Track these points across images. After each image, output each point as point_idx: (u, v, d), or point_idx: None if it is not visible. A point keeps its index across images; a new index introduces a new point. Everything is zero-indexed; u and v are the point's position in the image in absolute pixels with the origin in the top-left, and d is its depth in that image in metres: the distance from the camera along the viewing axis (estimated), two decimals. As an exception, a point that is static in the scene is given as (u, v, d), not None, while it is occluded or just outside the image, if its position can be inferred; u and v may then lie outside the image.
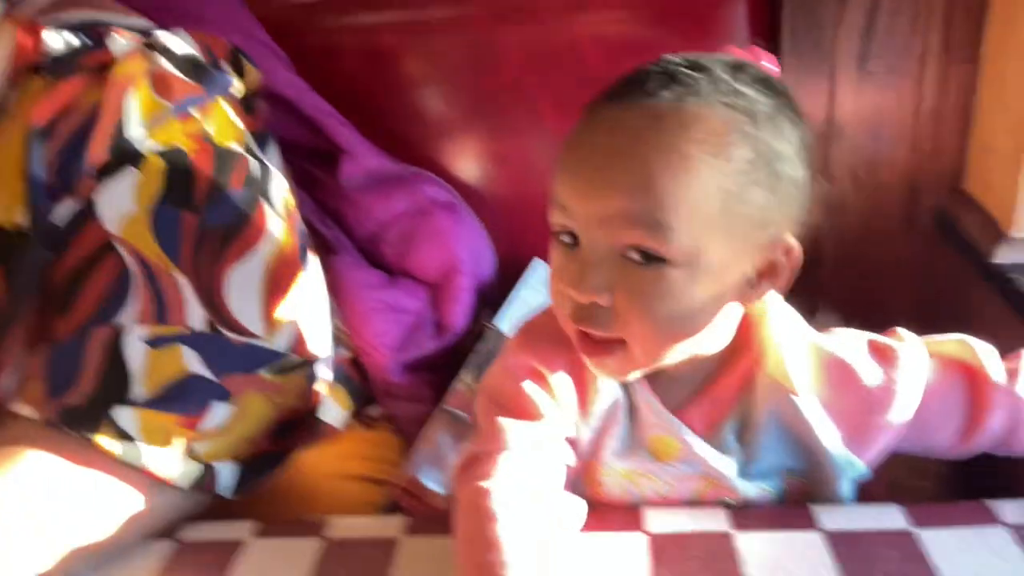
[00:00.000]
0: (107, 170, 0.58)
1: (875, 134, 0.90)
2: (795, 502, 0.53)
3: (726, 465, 0.51)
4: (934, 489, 0.87)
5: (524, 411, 0.50)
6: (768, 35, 0.92)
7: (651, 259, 0.44)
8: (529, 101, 0.96)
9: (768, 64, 0.50)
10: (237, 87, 0.70)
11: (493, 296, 0.99)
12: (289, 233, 0.66)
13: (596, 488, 0.54)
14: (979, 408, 0.50)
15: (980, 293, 0.81)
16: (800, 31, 0.87)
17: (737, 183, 0.44)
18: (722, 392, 0.51)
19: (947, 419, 0.51)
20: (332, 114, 0.92)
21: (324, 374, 0.72)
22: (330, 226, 0.94)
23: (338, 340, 0.86)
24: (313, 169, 0.94)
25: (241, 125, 0.71)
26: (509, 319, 0.91)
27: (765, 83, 0.46)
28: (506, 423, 0.49)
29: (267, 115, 0.80)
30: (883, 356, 0.51)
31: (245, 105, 0.74)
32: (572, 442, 0.52)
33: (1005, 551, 0.47)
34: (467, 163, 1.00)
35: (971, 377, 0.51)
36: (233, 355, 0.60)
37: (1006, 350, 0.66)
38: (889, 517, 0.51)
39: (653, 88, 0.44)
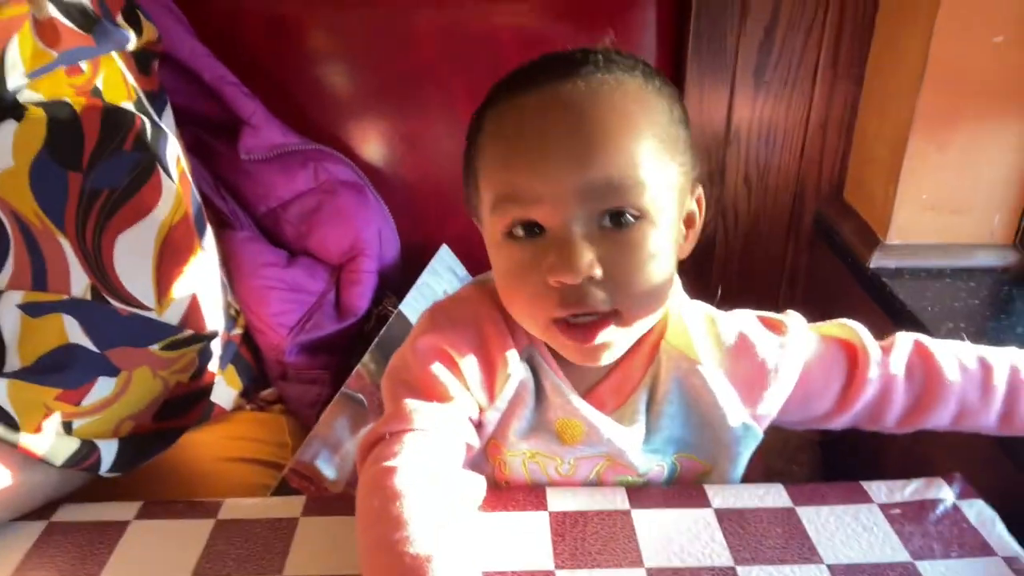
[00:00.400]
0: None
1: (767, 141, 0.96)
2: (686, 482, 0.56)
3: (629, 442, 0.52)
4: (804, 474, 0.93)
5: (432, 392, 0.50)
6: (673, 42, 0.96)
7: (623, 222, 0.45)
8: (442, 86, 0.95)
9: None
10: (132, 42, 0.65)
11: (395, 280, 0.98)
12: (183, 201, 0.63)
13: (499, 467, 0.55)
14: (856, 377, 0.54)
15: (856, 295, 0.88)
16: (704, 40, 0.91)
17: (667, 134, 0.46)
18: (631, 366, 0.53)
19: (827, 386, 0.54)
20: (234, 84, 0.88)
21: (215, 351, 0.69)
22: (227, 200, 0.90)
23: (231, 317, 0.82)
24: (211, 140, 0.90)
25: (134, 84, 0.66)
26: (414, 304, 0.90)
27: (642, 61, 0.49)
28: (413, 404, 0.49)
29: (163, 78, 0.76)
30: (772, 328, 0.54)
31: (140, 63, 0.70)
32: (477, 424, 0.52)
33: (875, 526, 0.51)
34: (375, 144, 0.98)
35: (850, 351, 0.55)
36: (120, 326, 0.56)
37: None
38: (772, 496, 0.54)
39: (570, 69, 0.45)
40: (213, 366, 0.68)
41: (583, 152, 0.44)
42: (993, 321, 0.76)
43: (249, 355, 0.86)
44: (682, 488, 0.55)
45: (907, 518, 0.52)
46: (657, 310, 0.50)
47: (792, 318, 0.56)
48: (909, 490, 0.54)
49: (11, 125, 0.54)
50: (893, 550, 0.49)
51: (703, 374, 0.52)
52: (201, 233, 0.66)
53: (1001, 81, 0.79)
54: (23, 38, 0.55)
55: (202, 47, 0.86)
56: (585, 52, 0.47)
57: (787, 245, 1.00)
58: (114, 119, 0.59)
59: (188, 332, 0.62)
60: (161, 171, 0.61)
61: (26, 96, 0.55)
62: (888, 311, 0.81)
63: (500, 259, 0.49)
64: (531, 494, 0.53)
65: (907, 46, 0.82)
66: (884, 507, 0.52)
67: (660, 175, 0.46)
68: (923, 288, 0.81)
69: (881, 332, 0.72)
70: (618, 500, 0.53)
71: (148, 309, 0.58)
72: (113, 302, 0.56)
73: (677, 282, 0.53)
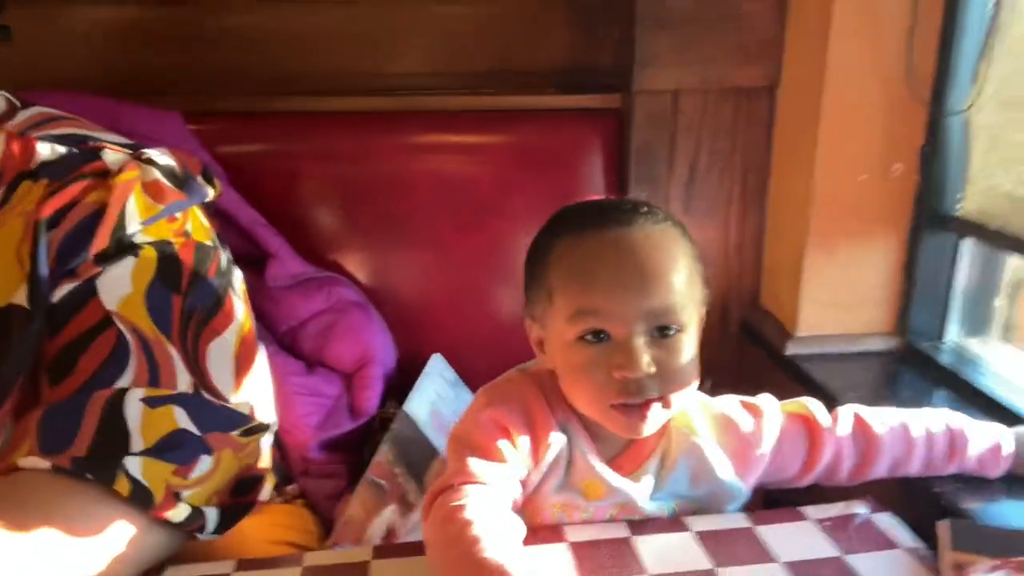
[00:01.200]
0: (107, 257, 0.67)
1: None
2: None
3: (640, 495, 0.68)
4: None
5: (491, 455, 0.63)
6: (617, 184, 1.19)
7: (668, 333, 0.61)
8: (431, 221, 1.15)
9: None
10: (210, 196, 0.82)
11: (394, 386, 1.13)
12: (248, 317, 0.78)
13: (534, 516, 0.69)
14: (815, 445, 0.71)
15: (778, 378, 1.08)
16: (642, 181, 1.15)
17: (693, 268, 0.64)
18: (646, 441, 0.68)
19: (794, 454, 0.71)
20: (264, 224, 1.05)
21: (267, 442, 0.81)
22: (255, 323, 1.05)
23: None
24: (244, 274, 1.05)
25: (208, 226, 0.83)
26: (416, 404, 1.05)
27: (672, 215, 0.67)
28: (476, 463, 0.62)
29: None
30: (751, 410, 0.71)
31: (207, 209, 0.87)
32: (522, 483, 0.66)
33: (813, 535, 0.68)
34: (375, 270, 1.15)
35: (808, 424, 0.72)
36: (214, 415, 0.69)
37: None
38: (736, 520, 0.70)
39: (628, 219, 0.62)
40: (266, 455, 0.80)
41: (646, 284, 0.60)
42: (884, 391, 0.97)
43: (277, 455, 0.98)
44: (669, 520, 0.70)
45: (835, 528, 0.69)
46: (690, 395, 0.66)
47: (766, 401, 0.72)
48: (834, 510, 0.71)
49: (131, 260, 0.68)
50: (827, 550, 0.66)
51: (701, 446, 0.68)
52: (258, 343, 0.80)
53: (867, 208, 1.04)
54: (137, 196, 0.71)
55: (237, 196, 1.03)
56: (635, 204, 0.64)
57: (720, 343, 1.21)
58: (202, 254, 0.74)
59: (256, 422, 0.75)
60: (232, 293, 0.76)
61: (140, 239, 0.71)
62: (804, 388, 1.01)
63: (571, 356, 0.63)
64: (552, 531, 0.68)
65: (797, 185, 1.08)
66: (818, 521, 0.69)
67: (691, 298, 0.63)
68: (829, 369, 1.02)
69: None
70: (622, 530, 0.68)
71: (229, 402, 0.71)
72: (206, 395, 0.69)
73: None
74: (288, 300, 1.06)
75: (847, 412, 0.73)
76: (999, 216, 0.91)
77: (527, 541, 0.65)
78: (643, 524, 0.69)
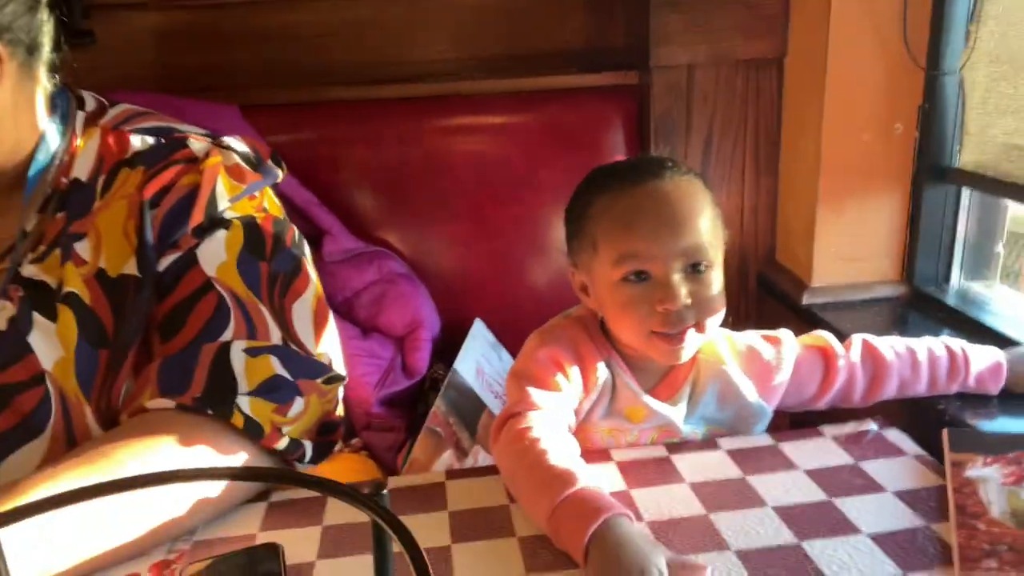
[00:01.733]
0: (203, 230, 0.78)
1: (716, 222, 1.27)
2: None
3: (676, 416, 0.77)
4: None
5: (547, 384, 0.73)
6: (639, 153, 1.28)
7: (700, 269, 0.71)
8: (470, 198, 1.25)
9: None
10: (280, 177, 0.92)
11: (441, 348, 1.23)
12: (319, 281, 0.88)
13: (586, 441, 0.78)
14: (830, 369, 0.80)
15: (795, 328, 1.16)
16: (662, 152, 1.24)
17: (715, 212, 0.74)
18: (679, 371, 0.78)
19: (811, 377, 0.80)
20: (317, 204, 1.15)
21: (341, 393, 0.92)
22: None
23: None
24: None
25: (279, 203, 0.93)
26: (463, 364, 1.15)
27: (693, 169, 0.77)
28: (535, 392, 0.72)
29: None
30: (771, 341, 0.81)
31: (276, 191, 0.97)
32: (575, 411, 0.76)
33: (830, 449, 0.77)
34: (420, 244, 1.25)
35: (824, 352, 0.81)
36: (302, 364, 0.79)
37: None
38: (763, 439, 0.79)
39: (657, 171, 0.72)
40: (340, 405, 0.91)
41: (681, 227, 0.70)
42: (894, 332, 1.05)
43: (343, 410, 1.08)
44: (703, 442, 0.80)
45: (849, 442, 0.78)
46: (719, 322, 0.75)
47: (784, 333, 0.82)
48: (848, 427, 0.80)
49: (223, 232, 0.78)
50: (843, 459, 0.75)
51: (728, 372, 0.78)
52: (329, 306, 0.90)
53: (872, 166, 1.12)
54: (223, 177, 0.81)
55: (293, 179, 1.13)
56: (661, 159, 0.74)
57: (740, 299, 1.30)
58: (279, 226, 0.84)
59: (334, 372, 0.85)
60: (306, 261, 0.86)
61: (229, 214, 0.81)
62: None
63: (618, 295, 0.72)
64: (601, 454, 0.78)
65: (805, 147, 1.16)
66: (834, 438, 0.79)
67: (717, 238, 0.73)
68: (842, 316, 1.11)
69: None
70: (661, 450, 0.78)
71: (312, 354, 0.81)
72: (292, 346, 0.80)
73: None
74: (343, 273, 1.16)
75: (857, 340, 0.82)
76: (994, 165, 1.00)
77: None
78: (680, 445, 0.79)
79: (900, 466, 0.74)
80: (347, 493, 0.40)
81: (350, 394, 1.07)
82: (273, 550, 0.60)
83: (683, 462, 0.76)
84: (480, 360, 1.19)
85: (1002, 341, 0.95)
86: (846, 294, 1.16)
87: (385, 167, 1.23)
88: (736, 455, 0.76)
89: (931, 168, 1.08)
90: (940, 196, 1.09)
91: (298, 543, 0.67)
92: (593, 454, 0.78)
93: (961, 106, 1.04)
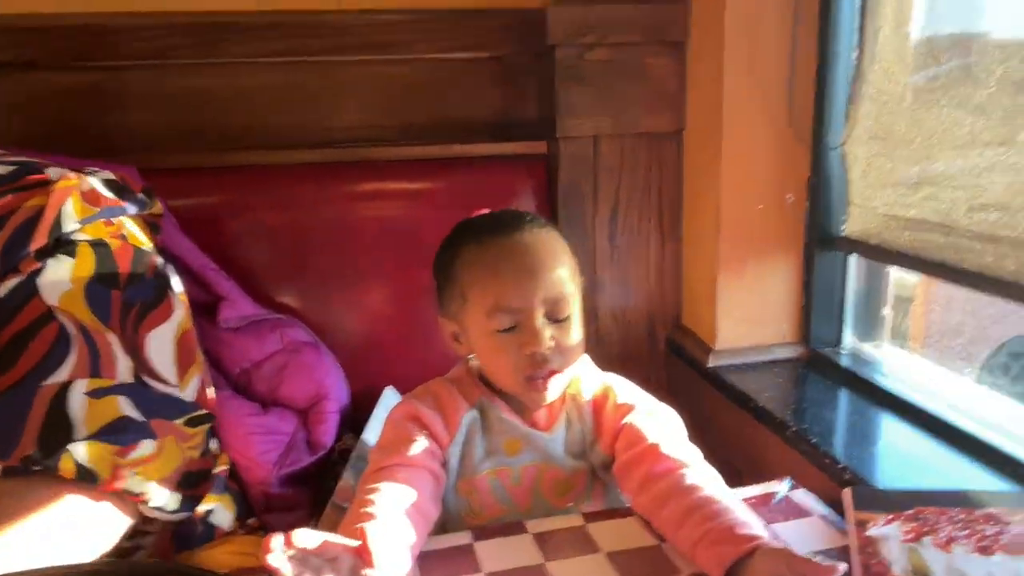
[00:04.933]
0: (46, 253, 0.73)
1: (624, 288, 1.30)
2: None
3: (556, 447, 0.78)
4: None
5: (403, 437, 0.75)
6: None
7: (561, 318, 0.74)
8: (376, 263, 1.22)
9: None
10: (147, 208, 0.89)
11: (350, 418, 1.18)
12: (188, 319, 0.84)
13: (471, 496, 0.78)
14: (642, 460, 0.74)
15: (703, 388, 1.19)
16: (571, 219, 1.26)
17: (573, 263, 0.77)
18: (553, 403, 0.79)
19: (625, 451, 0.76)
20: (214, 269, 1.10)
21: (212, 441, 0.87)
22: (208, 369, 1.09)
23: (214, 455, 0.99)
24: (195, 320, 1.10)
25: (148, 236, 0.89)
26: (374, 432, 1.10)
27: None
28: (388, 453, 0.74)
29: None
30: (630, 399, 0.80)
31: (151, 227, 0.94)
32: (443, 462, 0.76)
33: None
34: (326, 310, 1.21)
35: (650, 447, 0.75)
36: (157, 403, 0.75)
37: (723, 423, 1.02)
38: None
39: (522, 224, 0.76)
40: (210, 453, 0.85)
41: (543, 276, 0.73)
42: (793, 391, 1.09)
43: (237, 487, 1.01)
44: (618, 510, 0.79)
45: (758, 504, 0.79)
46: (576, 364, 0.78)
47: (645, 404, 0.80)
48: (757, 489, 0.81)
49: (68, 260, 0.75)
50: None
51: (586, 409, 0.80)
52: (198, 347, 0.86)
53: (767, 234, 1.18)
54: (75, 199, 0.78)
55: (189, 242, 1.09)
56: (520, 213, 0.79)
57: (649, 362, 1.32)
58: (138, 256, 0.81)
59: (201, 411, 0.80)
60: (172, 295, 0.82)
61: (78, 236, 0.76)
62: (726, 394, 1.12)
63: (491, 343, 0.75)
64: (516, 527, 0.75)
65: (706, 215, 1.21)
66: (743, 500, 0.79)
67: (575, 289, 0.76)
68: (745, 378, 1.14)
69: (723, 409, 1.02)
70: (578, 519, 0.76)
71: (173, 386, 0.77)
72: (148, 380, 0.75)
73: (585, 355, 0.81)
74: (240, 342, 1.10)
75: (667, 461, 0.73)
76: (876, 234, 1.06)
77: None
78: (595, 514, 0.77)
79: (808, 527, 0.75)
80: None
81: (247, 475, 1.00)
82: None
83: (597, 531, 0.74)
84: (390, 431, 1.15)
85: (891, 400, 1.00)
86: (748, 356, 1.19)
87: (292, 233, 1.20)
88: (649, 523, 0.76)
89: (821, 236, 1.15)
90: (830, 262, 1.16)
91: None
92: (510, 527, 0.75)
93: (845, 179, 1.11)
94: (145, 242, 0.83)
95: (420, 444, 0.75)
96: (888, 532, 0.70)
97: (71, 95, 1.20)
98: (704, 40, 1.18)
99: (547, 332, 0.73)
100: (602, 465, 0.80)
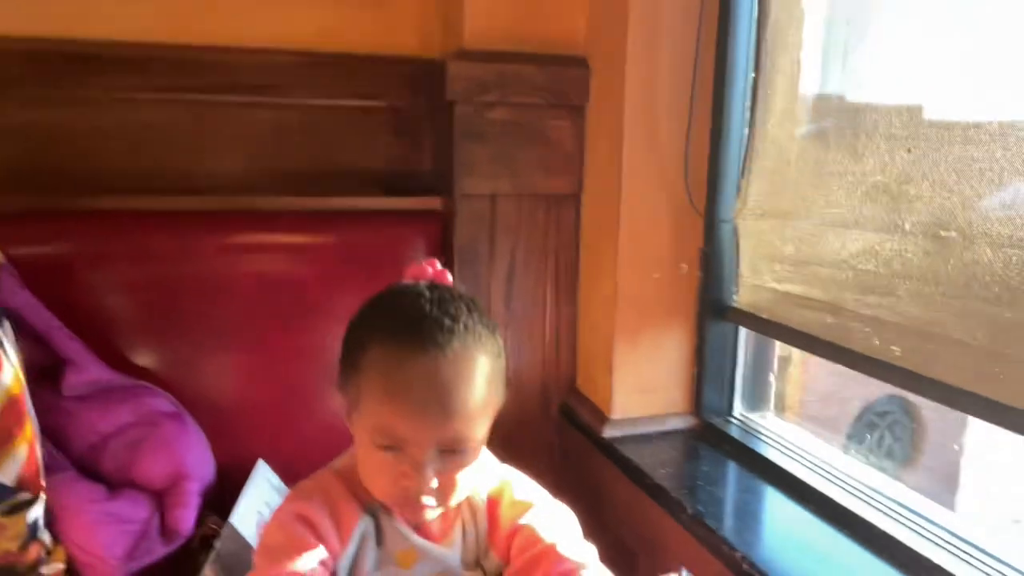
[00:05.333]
0: None
1: (519, 352, 1.26)
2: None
3: (453, 559, 0.71)
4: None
5: (292, 543, 0.66)
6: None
7: (457, 450, 0.65)
8: (256, 323, 1.12)
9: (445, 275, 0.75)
10: None
11: (214, 500, 1.05)
12: (20, 384, 0.72)
13: None
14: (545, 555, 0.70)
15: (597, 459, 1.16)
16: (466, 280, 1.21)
17: (500, 391, 0.69)
18: (448, 513, 0.72)
19: (518, 555, 0.71)
20: (59, 327, 0.97)
21: (41, 528, 0.74)
22: (46, 445, 0.94)
23: (46, 551, 0.85)
24: (34, 388, 0.95)
25: None
26: (243, 516, 0.99)
27: (484, 317, 0.70)
28: (278, 559, 0.65)
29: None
30: (528, 497, 0.75)
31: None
32: (332, 572, 0.68)
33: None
34: (194, 377, 1.09)
35: (547, 550, 0.70)
36: None
37: (617, 498, 0.99)
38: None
39: (449, 338, 0.64)
40: (38, 530, 0.73)
41: (448, 415, 0.64)
42: (687, 465, 1.08)
43: (75, 589, 0.87)
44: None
45: (657, 601, 0.75)
46: (465, 496, 0.70)
47: (537, 500, 0.75)
48: (655, 584, 0.78)
49: None
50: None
51: (481, 513, 0.74)
52: (31, 416, 0.74)
53: (662, 303, 1.18)
54: None
55: (33, 298, 0.95)
56: (454, 319, 0.65)
57: (542, 428, 1.28)
58: None
59: (23, 495, 0.68)
60: (3, 355, 0.71)
61: None
62: (621, 467, 1.09)
63: (368, 457, 0.67)
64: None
65: (602, 283, 1.20)
66: (642, 597, 0.76)
67: (488, 412, 0.68)
68: (640, 449, 1.12)
69: (617, 482, 0.99)
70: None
71: None
72: None
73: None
74: (86, 414, 0.97)
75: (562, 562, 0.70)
76: (765, 307, 1.08)
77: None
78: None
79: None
80: None
81: (88, 572, 0.87)
82: None
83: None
84: (262, 508, 1.03)
85: (776, 473, 1.01)
86: (642, 426, 1.18)
87: (157, 287, 1.07)
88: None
89: (712, 307, 1.16)
90: (721, 333, 1.17)
91: None
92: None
93: (736, 252, 1.13)
94: None
95: (314, 555, 0.65)
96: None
97: None
98: (604, 106, 1.18)
99: (432, 468, 0.65)
100: (495, 572, 0.74)
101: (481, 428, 0.68)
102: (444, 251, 1.23)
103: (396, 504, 0.68)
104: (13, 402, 0.70)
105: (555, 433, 1.30)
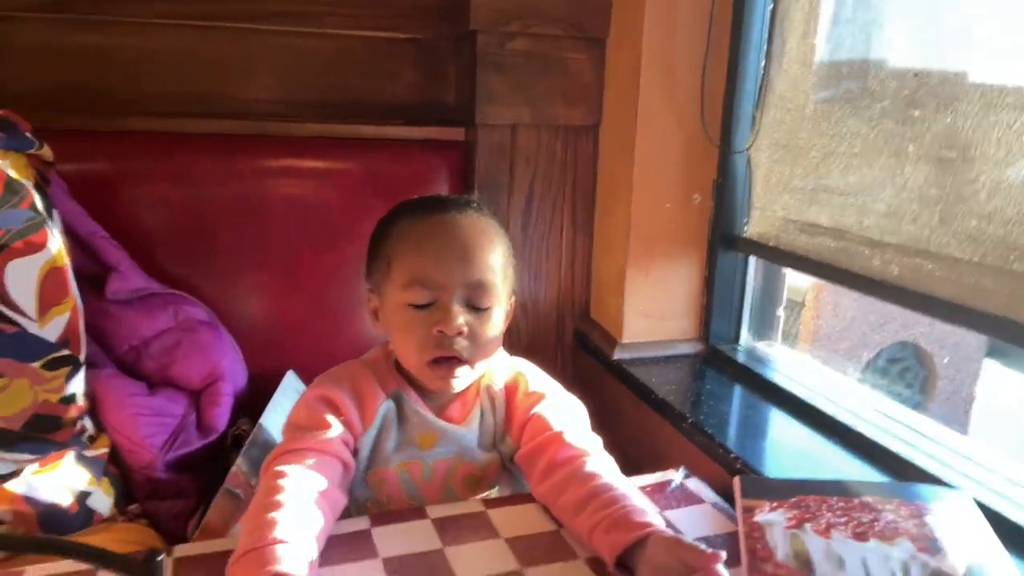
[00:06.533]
0: None
1: (535, 279, 1.31)
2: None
3: (470, 440, 0.77)
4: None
5: (315, 424, 0.71)
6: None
7: (481, 306, 0.72)
8: (286, 242, 1.18)
9: None
10: (36, 151, 0.85)
11: (246, 404, 1.13)
12: (63, 259, 0.79)
13: (379, 488, 0.76)
14: (544, 449, 0.74)
15: (607, 379, 1.21)
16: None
17: (507, 255, 0.75)
18: (467, 396, 0.78)
19: (531, 439, 0.76)
20: (104, 237, 1.03)
21: (79, 385, 0.81)
22: (90, 343, 1.01)
23: (90, 437, 0.93)
24: (80, 291, 1.02)
25: (31, 177, 0.85)
26: (271, 419, 1.06)
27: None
28: (301, 435, 0.70)
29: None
30: (541, 388, 0.80)
31: (39, 173, 0.89)
32: (354, 451, 0.74)
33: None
34: (229, 290, 1.16)
35: (552, 437, 0.74)
36: (6, 343, 0.70)
37: (625, 414, 1.04)
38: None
39: (460, 207, 0.74)
40: (77, 396, 0.80)
41: (470, 259, 0.71)
42: (692, 385, 1.13)
43: (118, 472, 0.95)
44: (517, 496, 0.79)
45: (654, 492, 0.81)
46: (490, 360, 0.77)
47: (549, 392, 0.79)
48: (652, 478, 0.83)
49: None
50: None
51: (499, 398, 0.80)
52: (76, 289, 0.81)
53: (674, 232, 1.21)
54: None
55: (79, 207, 1.01)
56: (469, 199, 0.76)
57: (556, 353, 1.33)
58: (15, 186, 0.77)
59: (65, 352, 0.76)
60: (48, 230, 0.78)
61: None
62: (629, 386, 1.15)
63: (401, 317, 0.72)
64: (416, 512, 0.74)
65: (617, 212, 1.23)
66: (640, 488, 0.81)
67: (505, 282, 0.75)
68: (648, 370, 1.17)
69: (627, 401, 1.04)
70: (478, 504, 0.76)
71: (31, 319, 0.73)
72: (3, 309, 0.70)
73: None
74: (130, 317, 1.04)
75: (572, 451, 0.73)
76: (774, 237, 1.11)
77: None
78: (495, 500, 0.77)
79: (699, 514, 0.78)
80: (102, 558, 0.34)
81: (130, 458, 0.95)
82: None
83: (497, 516, 0.74)
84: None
85: (781, 396, 1.05)
86: (652, 350, 1.22)
87: (193, 206, 1.13)
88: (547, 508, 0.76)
89: (723, 237, 1.19)
90: (731, 263, 1.20)
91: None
92: (409, 512, 0.74)
93: (748, 182, 1.16)
94: (27, 177, 0.79)
95: (334, 431, 0.71)
96: (773, 519, 0.73)
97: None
98: (623, 38, 1.20)
99: (461, 316, 0.71)
100: (510, 456, 0.80)
101: (500, 294, 0.73)
102: (465, 180, 1.28)
103: (427, 364, 0.72)
104: (59, 272, 0.77)
105: (569, 357, 1.36)
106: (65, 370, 0.75)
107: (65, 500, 0.83)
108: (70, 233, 0.99)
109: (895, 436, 0.91)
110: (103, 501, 0.89)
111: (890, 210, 0.90)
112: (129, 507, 0.95)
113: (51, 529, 0.82)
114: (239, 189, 1.16)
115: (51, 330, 0.74)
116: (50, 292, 0.75)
